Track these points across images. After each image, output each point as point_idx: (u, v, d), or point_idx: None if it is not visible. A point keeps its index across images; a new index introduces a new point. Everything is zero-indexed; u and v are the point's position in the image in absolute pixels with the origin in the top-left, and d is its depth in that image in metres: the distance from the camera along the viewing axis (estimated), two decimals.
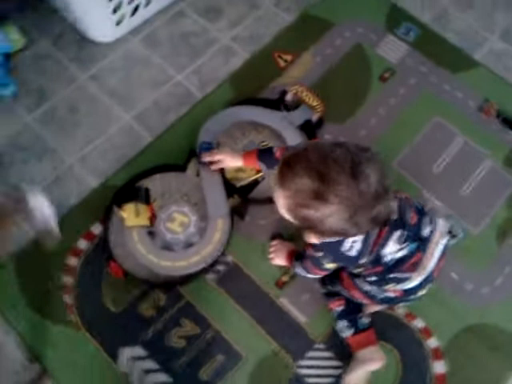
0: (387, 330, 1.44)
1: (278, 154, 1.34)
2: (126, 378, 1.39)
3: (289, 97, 1.72)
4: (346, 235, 1.04)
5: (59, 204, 1.59)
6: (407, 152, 1.69)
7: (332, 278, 1.40)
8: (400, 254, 1.17)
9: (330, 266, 1.22)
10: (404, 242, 1.15)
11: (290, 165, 0.98)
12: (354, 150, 0.96)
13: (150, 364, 1.41)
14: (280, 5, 1.96)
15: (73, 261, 1.51)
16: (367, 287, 1.30)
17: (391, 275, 1.21)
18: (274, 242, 1.53)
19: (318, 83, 1.79)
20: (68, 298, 1.47)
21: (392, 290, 1.26)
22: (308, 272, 1.34)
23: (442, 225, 1.22)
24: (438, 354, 1.43)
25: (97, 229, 1.55)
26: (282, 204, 1.03)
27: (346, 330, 1.39)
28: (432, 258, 1.20)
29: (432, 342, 1.44)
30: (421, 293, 1.27)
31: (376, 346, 1.37)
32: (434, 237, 1.20)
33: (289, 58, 1.85)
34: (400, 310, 1.48)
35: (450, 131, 1.73)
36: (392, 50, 1.87)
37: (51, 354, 1.41)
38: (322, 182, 0.93)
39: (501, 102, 1.78)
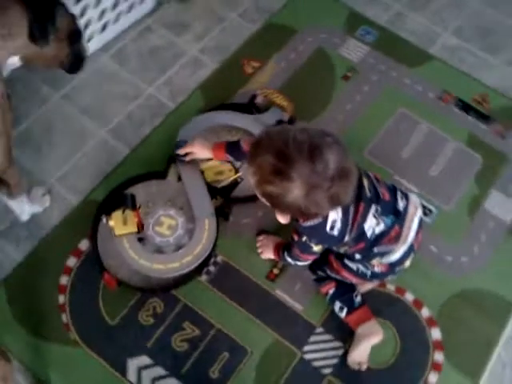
0: (381, 306, 1.50)
1: (244, 145, 1.41)
2: None
3: (259, 99, 1.79)
4: (309, 214, 1.11)
5: (42, 225, 1.58)
6: (376, 142, 1.79)
7: (320, 264, 1.46)
8: (378, 230, 1.24)
9: (318, 248, 1.28)
10: (380, 217, 1.23)
11: (256, 145, 1.09)
12: (315, 134, 1.05)
13: (158, 371, 1.41)
14: (244, 16, 2.05)
15: (64, 279, 1.50)
16: (355, 266, 1.37)
17: (375, 250, 1.27)
18: (261, 237, 1.58)
19: (285, 86, 1.87)
20: (64, 317, 1.45)
21: (378, 264, 1.33)
22: (297, 259, 1.39)
23: (414, 199, 1.31)
24: (431, 322, 1.50)
25: (84, 245, 1.55)
26: (252, 182, 1.12)
27: (341, 310, 1.44)
28: (410, 231, 1.27)
29: (424, 312, 1.51)
30: (405, 264, 1.34)
31: (373, 321, 1.43)
32: (409, 210, 1.28)
33: (256, 64, 1.92)
34: (390, 286, 1.54)
35: (414, 120, 1.84)
36: (353, 51, 1.98)
37: (55, 375, 1.39)
38: (281, 160, 1.03)
39: (457, 90, 1.91)
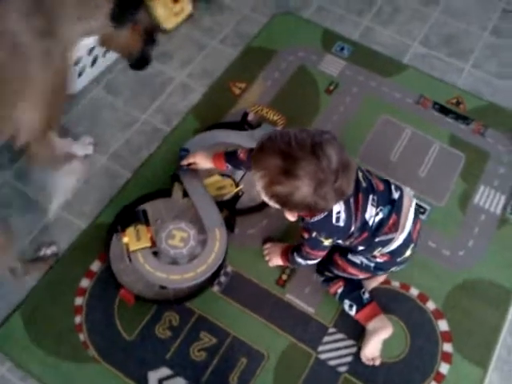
0: (388, 303, 1.56)
1: (241, 155, 1.47)
2: None
3: (251, 116, 1.86)
4: (317, 209, 1.16)
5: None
6: (364, 148, 1.88)
7: (326, 264, 1.52)
8: (378, 218, 1.31)
9: (328, 242, 1.33)
10: (378, 206, 1.30)
11: (260, 149, 1.14)
12: (314, 133, 1.12)
13: (179, 381, 1.43)
14: (225, 42, 2.15)
15: (79, 300, 1.53)
16: (358, 260, 1.44)
17: (376, 239, 1.34)
18: (267, 245, 1.63)
19: (273, 103, 1.96)
20: (82, 336, 1.47)
21: (380, 255, 1.39)
22: (308, 258, 1.44)
23: (407, 190, 1.40)
24: (438, 314, 1.56)
25: (95, 266, 1.58)
26: (259, 186, 1.16)
27: (351, 308, 1.50)
28: (407, 219, 1.34)
29: (430, 305, 1.57)
30: (406, 253, 1.40)
31: (382, 316, 1.49)
32: (404, 200, 1.35)
33: (243, 85, 2.01)
34: (394, 283, 1.60)
35: (398, 125, 1.94)
36: (332, 66, 2.09)
37: None
38: (286, 160, 1.09)
39: (433, 94, 2.03)
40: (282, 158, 1.09)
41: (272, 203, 1.20)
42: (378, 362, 1.48)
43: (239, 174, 1.75)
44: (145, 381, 1.42)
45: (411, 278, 1.61)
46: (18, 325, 1.49)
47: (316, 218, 1.25)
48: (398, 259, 1.41)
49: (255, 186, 1.19)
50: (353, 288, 1.51)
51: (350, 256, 1.45)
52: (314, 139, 1.10)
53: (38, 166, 1.56)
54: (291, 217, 1.26)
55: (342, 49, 2.15)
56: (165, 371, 1.44)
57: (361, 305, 1.49)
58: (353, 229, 1.29)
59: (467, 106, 2.00)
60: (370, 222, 1.30)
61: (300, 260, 1.47)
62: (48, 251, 1.58)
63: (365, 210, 1.29)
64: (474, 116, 1.97)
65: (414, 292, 1.60)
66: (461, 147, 1.90)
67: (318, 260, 1.46)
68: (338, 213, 1.25)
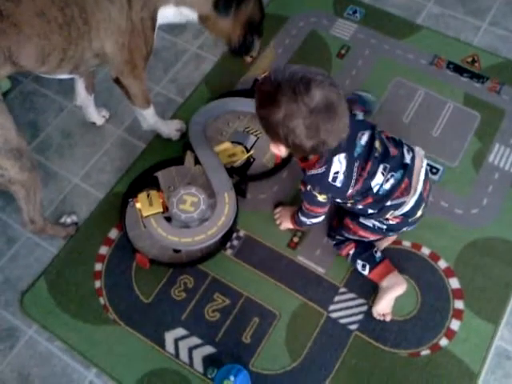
0: (399, 262, 1.57)
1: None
2: (174, 358, 1.47)
3: None
4: (293, 145, 1.17)
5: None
6: (377, 111, 1.87)
7: (337, 228, 1.54)
8: (389, 185, 1.32)
9: (322, 197, 1.36)
10: (389, 173, 1.31)
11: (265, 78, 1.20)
12: (311, 71, 1.14)
13: (194, 340, 1.49)
14: None
15: (99, 266, 1.60)
16: (370, 223, 1.45)
17: (388, 203, 1.35)
18: (278, 209, 1.66)
19: None
20: (102, 300, 1.55)
21: (392, 217, 1.41)
22: (310, 216, 1.47)
23: (419, 151, 1.39)
24: (449, 272, 1.57)
25: (113, 234, 1.65)
26: (257, 116, 1.21)
27: (364, 268, 1.52)
28: (419, 181, 1.35)
29: (442, 264, 1.58)
30: (418, 214, 1.42)
31: (396, 272, 1.50)
32: (416, 161, 1.36)
33: (254, 53, 2.01)
34: (406, 242, 1.61)
35: (411, 87, 1.92)
36: (344, 30, 2.07)
37: (100, 352, 1.49)
38: (274, 88, 1.13)
39: (448, 54, 1.99)
40: (273, 85, 1.14)
41: (267, 134, 1.24)
42: (388, 318, 1.50)
43: (251, 140, 1.78)
44: (162, 341, 1.49)
45: (422, 238, 1.62)
46: (43, 290, 1.58)
47: (312, 172, 1.28)
48: (410, 220, 1.42)
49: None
50: (365, 248, 1.53)
51: (361, 219, 1.47)
52: (305, 75, 1.13)
53: (135, 105, 1.64)
54: (275, 149, 1.27)
55: (355, 12, 2.12)
56: (180, 331, 1.50)
57: (374, 263, 1.51)
58: (350, 191, 1.31)
59: (482, 64, 1.96)
60: (375, 189, 1.32)
61: (304, 219, 1.49)
62: (68, 219, 1.65)
63: (371, 178, 1.30)
64: (489, 74, 1.93)
65: (425, 251, 1.61)
66: (476, 106, 1.87)
67: (321, 218, 1.48)
68: (336, 173, 1.27)
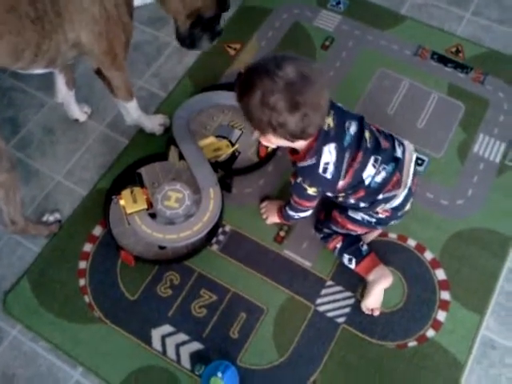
0: (385, 255, 1.57)
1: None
2: (161, 355, 1.46)
3: None
4: (278, 126, 1.17)
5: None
6: (362, 102, 1.86)
7: (325, 221, 1.54)
8: (380, 178, 1.32)
9: (312, 190, 1.34)
10: (380, 166, 1.31)
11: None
12: (283, 53, 1.22)
13: (181, 337, 1.48)
14: None
15: (83, 264, 1.58)
16: (359, 216, 1.44)
17: (380, 196, 1.35)
18: (264, 204, 1.65)
19: None
20: (87, 298, 1.53)
21: (382, 210, 1.40)
22: (298, 209, 1.46)
23: (408, 145, 1.39)
24: (435, 263, 1.57)
25: (97, 231, 1.63)
26: (240, 109, 1.22)
27: (350, 262, 1.51)
28: (409, 175, 1.36)
29: (427, 255, 1.58)
30: (406, 207, 1.42)
31: (382, 265, 1.50)
32: (406, 156, 1.36)
33: (237, 46, 2.00)
34: (392, 234, 1.61)
35: (395, 77, 1.92)
36: (327, 21, 2.06)
37: (86, 351, 1.47)
38: (248, 75, 1.18)
39: (432, 44, 1.99)
40: (248, 73, 1.18)
41: (249, 124, 1.25)
42: (377, 313, 1.50)
43: (235, 134, 1.77)
44: (148, 338, 1.48)
45: (408, 230, 1.62)
46: (27, 290, 1.55)
47: (303, 164, 1.28)
48: (399, 213, 1.42)
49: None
50: (351, 242, 1.53)
51: (350, 213, 1.46)
52: (276, 55, 1.17)
53: (118, 97, 1.61)
54: (265, 141, 1.29)
55: (338, 3, 2.11)
56: (167, 328, 1.49)
57: (360, 257, 1.51)
58: (342, 184, 1.30)
59: (466, 54, 1.96)
60: (367, 182, 1.31)
61: (291, 212, 1.49)
62: (51, 218, 1.63)
63: (362, 170, 1.30)
64: (473, 64, 1.93)
65: (411, 243, 1.61)
66: (459, 96, 1.87)
67: (309, 213, 1.47)
68: (327, 163, 1.26)
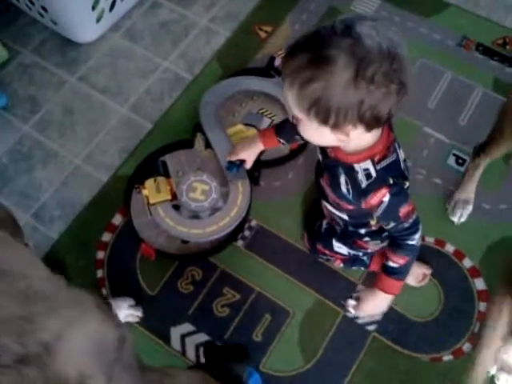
0: (421, 259, 1.47)
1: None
2: (180, 355, 1.38)
3: (277, 62, 1.75)
4: (371, 111, 0.84)
5: (73, 203, 1.58)
6: None
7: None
8: None
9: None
10: None
11: (287, 54, 0.86)
12: (351, 17, 0.84)
13: (202, 337, 1.40)
14: None
15: (101, 254, 1.50)
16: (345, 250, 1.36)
17: None
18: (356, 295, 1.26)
19: None
20: (104, 290, 1.45)
21: None
22: (415, 228, 1.06)
23: None
24: (474, 272, 1.47)
25: (117, 220, 1.55)
26: (291, 98, 0.87)
27: (364, 265, 1.44)
28: None
29: (466, 262, 1.48)
30: None
31: None
32: None
33: (269, 29, 1.89)
34: (428, 238, 1.51)
35: (437, 69, 1.79)
36: (365, 5, 1.93)
37: None
38: (314, 50, 0.82)
39: (477, 35, 1.86)
40: (310, 50, 0.82)
41: (316, 123, 0.87)
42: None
43: (265, 123, 1.67)
44: (167, 336, 1.40)
45: (446, 234, 1.52)
46: None
47: (382, 164, 0.96)
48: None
49: None
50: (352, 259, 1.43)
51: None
52: (344, 18, 0.83)
53: None
54: (315, 136, 0.94)
55: None
56: (187, 327, 1.41)
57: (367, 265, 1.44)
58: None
59: None
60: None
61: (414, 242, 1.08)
62: None
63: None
64: None
65: (449, 248, 1.50)
66: (506, 92, 1.74)
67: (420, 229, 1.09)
68: (404, 161, 1.02)
